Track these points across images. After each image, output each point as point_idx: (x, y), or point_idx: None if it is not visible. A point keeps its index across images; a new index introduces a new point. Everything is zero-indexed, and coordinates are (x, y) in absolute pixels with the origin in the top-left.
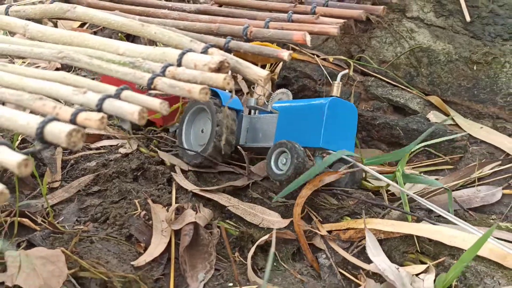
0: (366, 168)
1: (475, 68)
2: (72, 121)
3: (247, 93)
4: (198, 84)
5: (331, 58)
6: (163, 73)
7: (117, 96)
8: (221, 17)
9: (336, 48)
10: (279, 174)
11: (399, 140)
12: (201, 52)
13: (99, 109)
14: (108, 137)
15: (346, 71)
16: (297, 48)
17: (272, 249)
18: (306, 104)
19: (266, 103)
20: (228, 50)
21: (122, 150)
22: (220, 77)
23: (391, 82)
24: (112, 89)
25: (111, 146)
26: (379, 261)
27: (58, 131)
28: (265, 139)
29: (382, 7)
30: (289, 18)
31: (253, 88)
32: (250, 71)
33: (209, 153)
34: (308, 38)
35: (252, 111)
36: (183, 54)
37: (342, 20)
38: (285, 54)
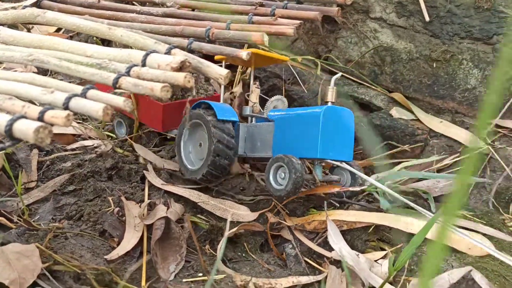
0: (373, 181)
1: (434, 65)
2: (40, 118)
3: (232, 94)
4: (161, 82)
5: (299, 58)
6: (128, 73)
7: (83, 95)
8: (186, 19)
9: (304, 48)
10: (279, 190)
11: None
12: (165, 53)
13: (65, 107)
14: (84, 138)
15: (339, 74)
16: (266, 48)
17: (226, 233)
18: (301, 113)
19: (262, 110)
20: (191, 50)
21: (97, 151)
22: (181, 75)
23: (356, 80)
24: (78, 88)
25: (86, 147)
26: (340, 248)
27: (25, 128)
28: (264, 149)
29: (337, 8)
30: (250, 20)
31: (247, 96)
32: (211, 70)
33: (206, 172)
34: (266, 38)
35: (249, 119)
36: (147, 55)
37: (298, 21)
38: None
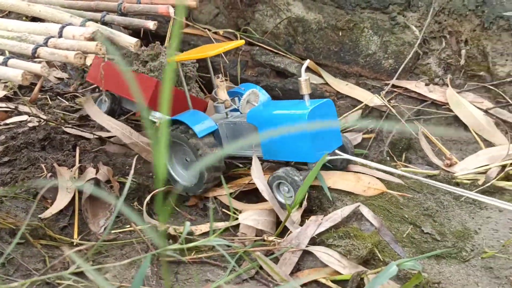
0: (354, 158)
1: (340, 34)
2: None
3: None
4: (75, 51)
5: (221, 31)
6: (46, 44)
7: (4, 63)
8: None
9: (225, 22)
10: (285, 204)
11: (279, 99)
12: (80, 26)
13: None
14: (17, 114)
15: (307, 62)
16: (190, 24)
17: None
18: (285, 116)
19: (232, 104)
20: (104, 23)
21: (30, 124)
22: (93, 44)
23: (273, 50)
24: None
25: (20, 121)
26: (259, 182)
27: None
28: (249, 147)
29: None
30: None
31: (215, 93)
32: (121, 39)
33: (204, 188)
34: (171, 10)
35: (226, 113)
36: (63, 27)
37: None
38: (150, 24)
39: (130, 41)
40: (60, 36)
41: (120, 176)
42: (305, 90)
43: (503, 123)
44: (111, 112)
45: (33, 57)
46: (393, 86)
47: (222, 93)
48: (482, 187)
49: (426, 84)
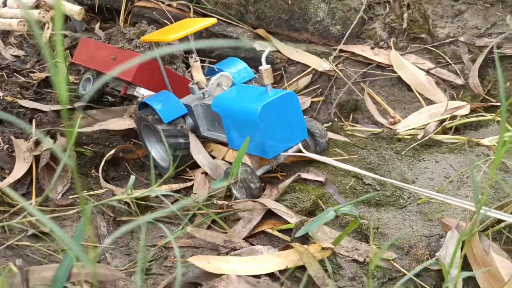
0: (312, 155)
1: (290, 2)
2: None
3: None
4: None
5: (174, 3)
6: None
7: None
8: None
9: None
10: (239, 198)
11: None
12: None
13: None
14: None
15: (269, 49)
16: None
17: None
18: (240, 109)
19: (205, 87)
20: None
21: None
22: (36, 11)
23: (225, 20)
24: None
25: None
26: (200, 158)
27: None
28: (223, 130)
29: None
30: None
31: (189, 73)
32: (65, 8)
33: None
34: None
35: (200, 93)
36: None
37: None
38: None
39: (74, 9)
40: (5, 5)
41: (78, 146)
42: (266, 80)
43: (443, 82)
44: (96, 92)
45: None
46: (341, 50)
47: (196, 74)
48: (420, 141)
49: (372, 48)
